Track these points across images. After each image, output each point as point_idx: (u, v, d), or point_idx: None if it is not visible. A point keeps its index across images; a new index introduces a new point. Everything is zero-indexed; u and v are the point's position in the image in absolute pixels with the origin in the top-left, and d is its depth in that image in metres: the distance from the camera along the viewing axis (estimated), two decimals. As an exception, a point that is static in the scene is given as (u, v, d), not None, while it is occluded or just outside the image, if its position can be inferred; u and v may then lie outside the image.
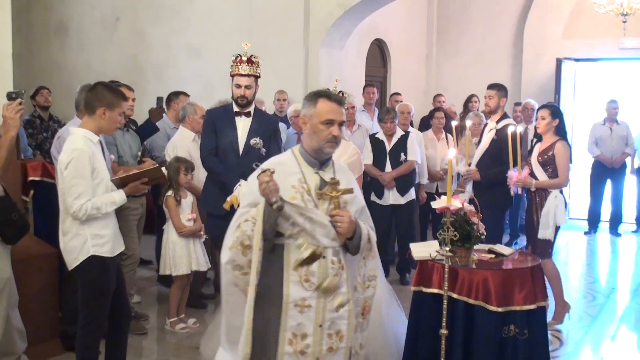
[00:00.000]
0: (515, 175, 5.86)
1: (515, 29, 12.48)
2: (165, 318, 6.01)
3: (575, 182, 11.56)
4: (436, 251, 4.26)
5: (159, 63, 10.62)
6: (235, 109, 5.50)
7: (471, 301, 4.33)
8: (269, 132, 5.53)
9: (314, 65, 9.15)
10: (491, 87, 6.73)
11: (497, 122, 6.54)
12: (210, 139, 5.50)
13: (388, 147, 7.37)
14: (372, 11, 9.61)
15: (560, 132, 6.10)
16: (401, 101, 8.94)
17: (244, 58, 5.35)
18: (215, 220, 5.51)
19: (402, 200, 7.36)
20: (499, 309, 4.29)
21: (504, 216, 7.30)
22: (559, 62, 11.46)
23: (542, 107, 6.30)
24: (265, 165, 3.29)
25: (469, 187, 6.53)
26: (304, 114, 3.38)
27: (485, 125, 6.85)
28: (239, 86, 5.39)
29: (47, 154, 7.08)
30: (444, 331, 4.16)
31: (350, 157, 5.16)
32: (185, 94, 7.65)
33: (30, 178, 5.81)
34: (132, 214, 5.88)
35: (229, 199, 5.03)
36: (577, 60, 11.92)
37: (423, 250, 4.65)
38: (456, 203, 4.01)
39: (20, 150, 4.58)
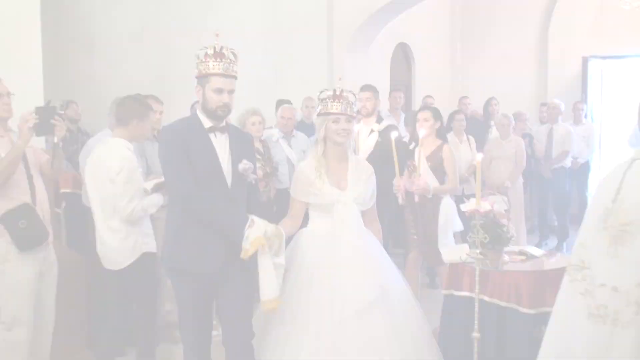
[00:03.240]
0: (404, 183, 5.58)
1: (540, 28, 12.37)
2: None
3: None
4: (466, 254, 4.26)
5: (185, 73, 10.59)
6: (207, 123, 3.79)
7: (503, 303, 4.31)
8: (249, 150, 4.02)
9: (338, 70, 9.15)
10: (366, 88, 6.50)
11: (378, 123, 6.44)
12: (186, 167, 3.68)
13: (415, 151, 7.30)
14: (395, 16, 9.60)
15: (442, 135, 6.10)
16: (433, 103, 8.88)
17: (226, 53, 3.73)
18: (200, 278, 3.79)
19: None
20: (531, 311, 4.26)
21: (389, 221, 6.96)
22: (585, 61, 11.35)
23: (423, 109, 6.26)
24: None
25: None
26: None
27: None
28: (220, 91, 3.72)
29: (78, 166, 7.16)
30: (476, 334, 4.15)
31: (370, 177, 4.25)
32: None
33: (62, 190, 5.91)
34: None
35: (248, 245, 3.57)
36: (604, 58, 11.76)
37: (453, 253, 4.64)
38: (485, 205, 4.01)
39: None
